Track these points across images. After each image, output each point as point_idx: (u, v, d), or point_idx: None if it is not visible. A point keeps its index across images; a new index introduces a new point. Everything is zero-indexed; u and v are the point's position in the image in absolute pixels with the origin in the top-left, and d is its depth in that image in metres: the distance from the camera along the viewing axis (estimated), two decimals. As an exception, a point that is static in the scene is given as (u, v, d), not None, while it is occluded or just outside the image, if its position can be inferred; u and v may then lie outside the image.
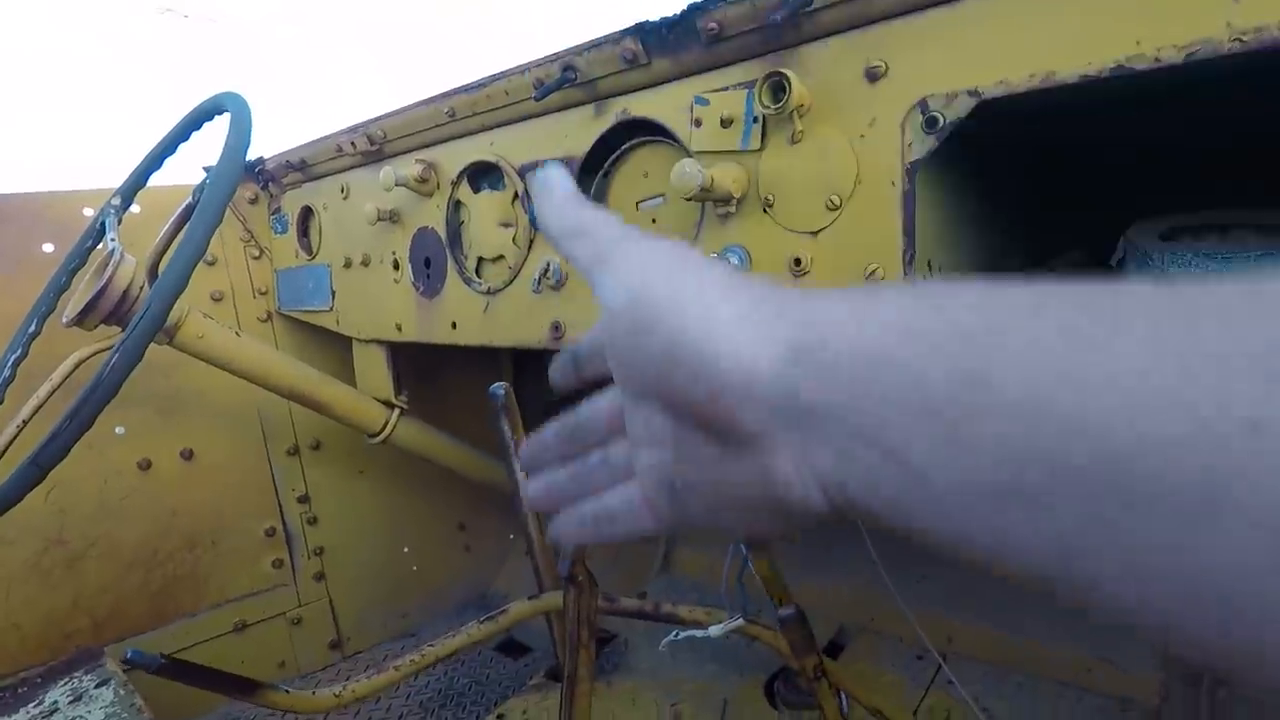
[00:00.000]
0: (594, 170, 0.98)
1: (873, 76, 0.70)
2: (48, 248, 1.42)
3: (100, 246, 1.20)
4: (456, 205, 1.18)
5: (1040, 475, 0.18)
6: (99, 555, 1.50)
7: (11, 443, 1.21)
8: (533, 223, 1.01)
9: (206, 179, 0.96)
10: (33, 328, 1.18)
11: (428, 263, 1.24)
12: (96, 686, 1.24)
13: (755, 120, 0.78)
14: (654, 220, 0.94)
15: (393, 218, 1.27)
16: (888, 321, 0.23)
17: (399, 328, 1.33)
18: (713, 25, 0.77)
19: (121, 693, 1.20)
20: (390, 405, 1.48)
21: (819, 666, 0.77)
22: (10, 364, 1.13)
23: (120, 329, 1.07)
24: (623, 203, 0.97)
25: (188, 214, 1.07)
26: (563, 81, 0.92)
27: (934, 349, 0.21)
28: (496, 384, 1.10)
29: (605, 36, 0.87)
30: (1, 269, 1.37)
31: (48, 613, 1.45)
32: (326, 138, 1.35)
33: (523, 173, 1.05)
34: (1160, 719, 1.01)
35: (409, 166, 1.17)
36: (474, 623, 0.97)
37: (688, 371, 0.25)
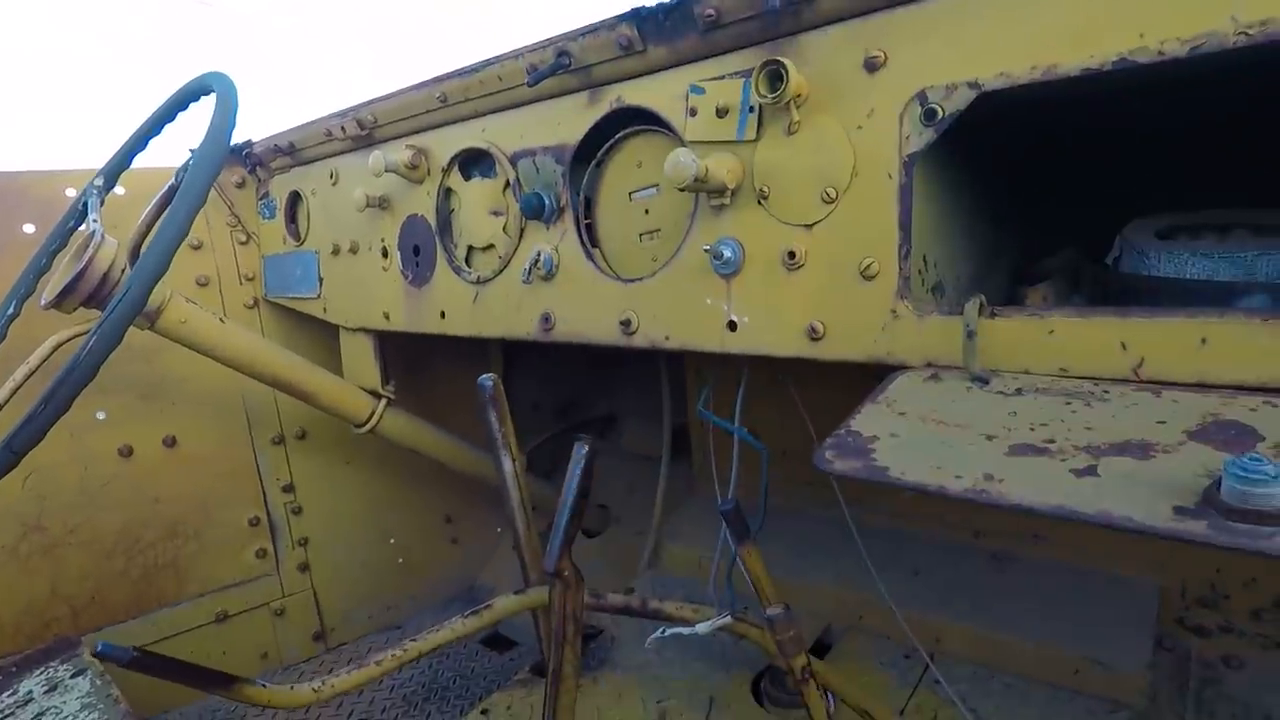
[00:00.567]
0: (587, 159, 0.97)
1: (872, 67, 0.69)
2: (28, 228, 1.39)
3: (82, 228, 1.17)
4: (447, 193, 1.16)
5: None
6: (78, 543, 1.48)
7: (-12, 427, 1.19)
8: (524, 211, 1.00)
9: (190, 160, 0.94)
10: (11, 309, 1.15)
11: (417, 251, 1.22)
12: (73, 676, 1.22)
13: (751, 110, 0.77)
14: (647, 211, 0.93)
15: (382, 204, 1.25)
16: None
17: (387, 316, 1.31)
18: (710, 12, 0.76)
19: (98, 683, 1.18)
20: (377, 395, 1.46)
21: (807, 667, 0.76)
22: (-13, 346, 1.11)
23: (100, 312, 1.04)
24: (615, 193, 0.96)
25: (170, 196, 1.05)
26: (556, 67, 0.91)
27: None
28: (485, 376, 1.09)
29: (601, 22, 0.85)
30: (-19, 249, 1.34)
31: (25, 600, 1.43)
32: (316, 121, 1.33)
33: (514, 160, 1.03)
34: (1148, 719, 1.01)
35: (399, 152, 1.15)
36: (458, 618, 0.95)
37: None
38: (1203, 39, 0.53)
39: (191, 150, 1.35)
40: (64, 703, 1.13)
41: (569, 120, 0.96)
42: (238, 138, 1.57)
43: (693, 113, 0.81)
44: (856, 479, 0.53)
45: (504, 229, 1.07)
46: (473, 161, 1.13)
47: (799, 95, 0.72)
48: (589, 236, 0.98)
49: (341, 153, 1.35)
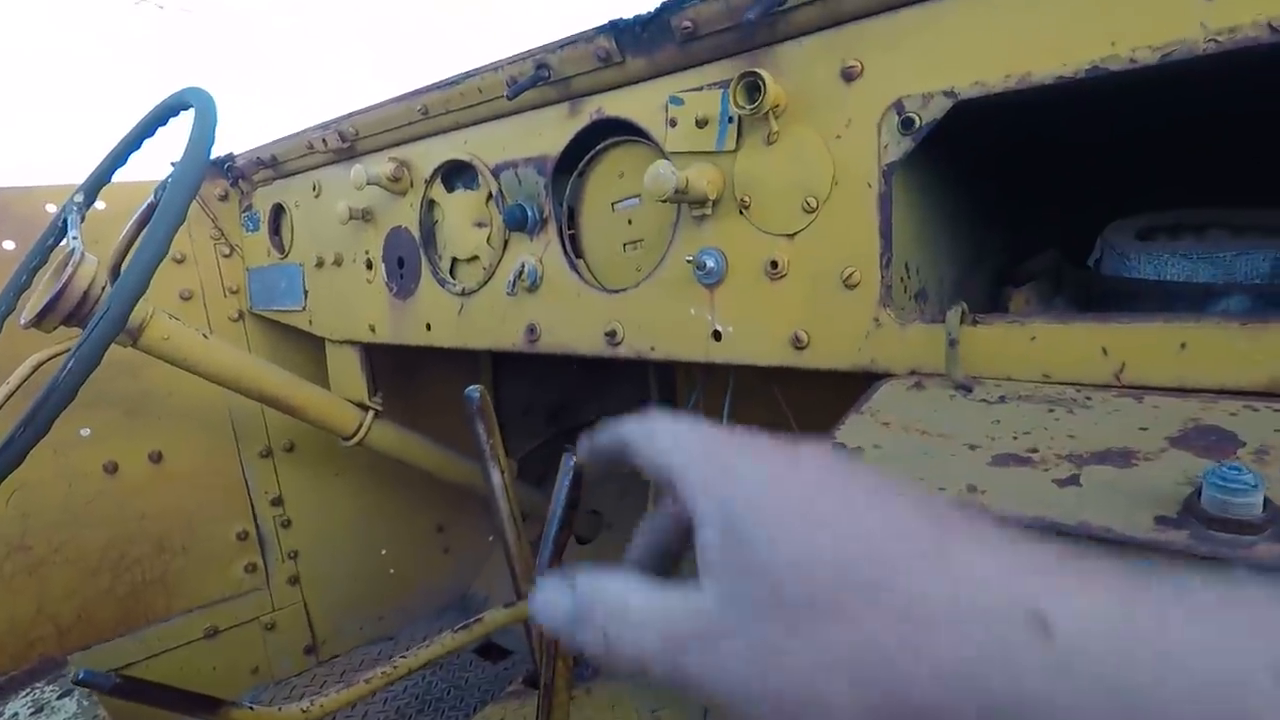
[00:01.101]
0: (569, 170, 0.97)
1: (848, 76, 0.69)
2: (8, 245, 1.38)
3: (63, 245, 1.16)
4: (430, 204, 1.16)
5: None
6: (63, 561, 1.47)
7: (-31, 448, 1.17)
8: (507, 223, 1.00)
9: (169, 176, 0.93)
10: (-9, 329, 1.14)
11: (401, 263, 1.21)
12: (59, 697, 1.20)
13: (730, 120, 0.77)
14: (630, 221, 0.93)
15: (365, 216, 1.24)
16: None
17: (372, 329, 1.30)
18: (686, 24, 0.76)
19: (85, 704, 1.16)
20: (365, 407, 1.46)
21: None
22: (-34, 367, 1.10)
23: (81, 330, 1.03)
24: (598, 203, 0.96)
25: (150, 213, 1.04)
26: (536, 80, 0.91)
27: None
28: (472, 387, 1.08)
29: (578, 34, 0.85)
30: (-40, 268, 1.33)
31: (10, 620, 1.41)
32: (297, 134, 1.33)
33: (497, 172, 1.03)
34: None
35: (381, 165, 1.15)
36: (448, 632, 0.95)
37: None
38: (1173, 46, 0.54)
39: (174, 164, 1.34)
40: (50, 725, 1.12)
41: (550, 131, 0.95)
42: (222, 149, 1.58)
43: (672, 124, 0.81)
44: None
45: (488, 240, 1.07)
46: (455, 173, 1.13)
47: (777, 105, 0.72)
48: (573, 247, 0.98)
49: (324, 165, 1.34)
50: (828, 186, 0.72)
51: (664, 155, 0.82)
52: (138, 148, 1.22)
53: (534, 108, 0.97)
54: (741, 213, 0.78)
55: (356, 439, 1.45)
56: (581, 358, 0.96)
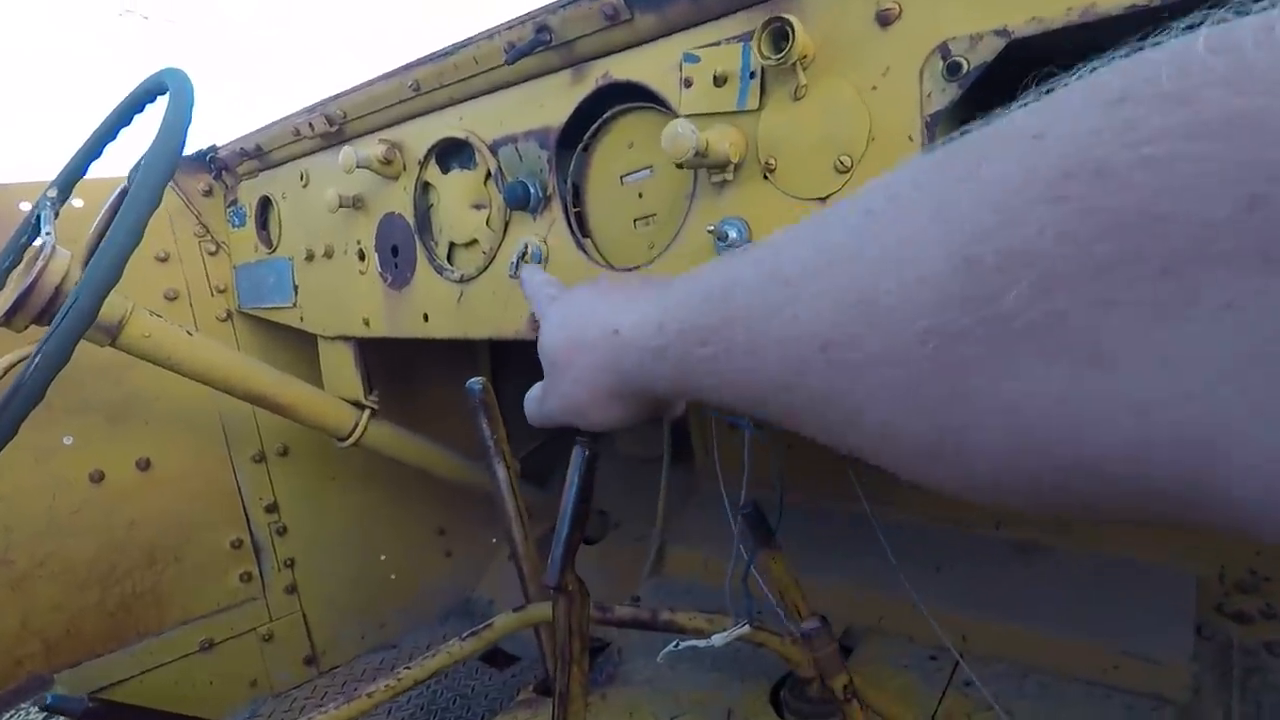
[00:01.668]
0: (573, 144, 0.90)
1: (885, 20, 0.62)
2: (-20, 245, 1.31)
3: (36, 242, 1.09)
4: (424, 187, 1.09)
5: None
6: (48, 574, 1.40)
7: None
8: (507, 201, 0.93)
9: (141, 159, 0.86)
10: (-39, 331, 1.07)
11: (395, 251, 1.15)
12: (46, 717, 1.14)
13: (753, 75, 0.70)
14: (640, 195, 0.86)
15: (356, 204, 1.17)
16: (661, 318, 0.40)
17: (366, 323, 1.24)
18: (703, -30, 0.69)
19: (72, 726, 1.10)
20: (360, 406, 1.39)
21: (850, 686, 0.68)
22: (-66, 371, 1.03)
23: (53, 329, 0.97)
24: (605, 177, 0.89)
25: (122, 199, 0.97)
26: (536, 44, 0.84)
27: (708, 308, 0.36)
28: (474, 379, 1.02)
29: (583, -10, 0.79)
30: (-72, 269, 1.26)
31: (-7, 638, 1.35)
32: (282, 120, 1.26)
33: (495, 148, 0.97)
34: (1192, 714, 0.95)
35: (372, 147, 1.08)
36: (454, 640, 0.88)
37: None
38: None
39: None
40: (33, 749, 1.05)
41: (552, 101, 0.89)
42: (203, 143, 1.51)
43: (687, 84, 0.75)
44: None
45: (487, 222, 1.00)
46: (451, 153, 1.06)
47: (805, 56, 0.65)
48: (579, 226, 0.92)
49: (311, 152, 1.28)
50: (863, 143, 0.65)
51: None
52: (114, 138, 1.15)
53: (534, 76, 0.90)
54: (766, 177, 0.71)
55: (352, 439, 1.38)
56: None
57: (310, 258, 1.31)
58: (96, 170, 1.16)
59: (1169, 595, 1.07)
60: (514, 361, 1.89)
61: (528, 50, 0.84)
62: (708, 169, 0.73)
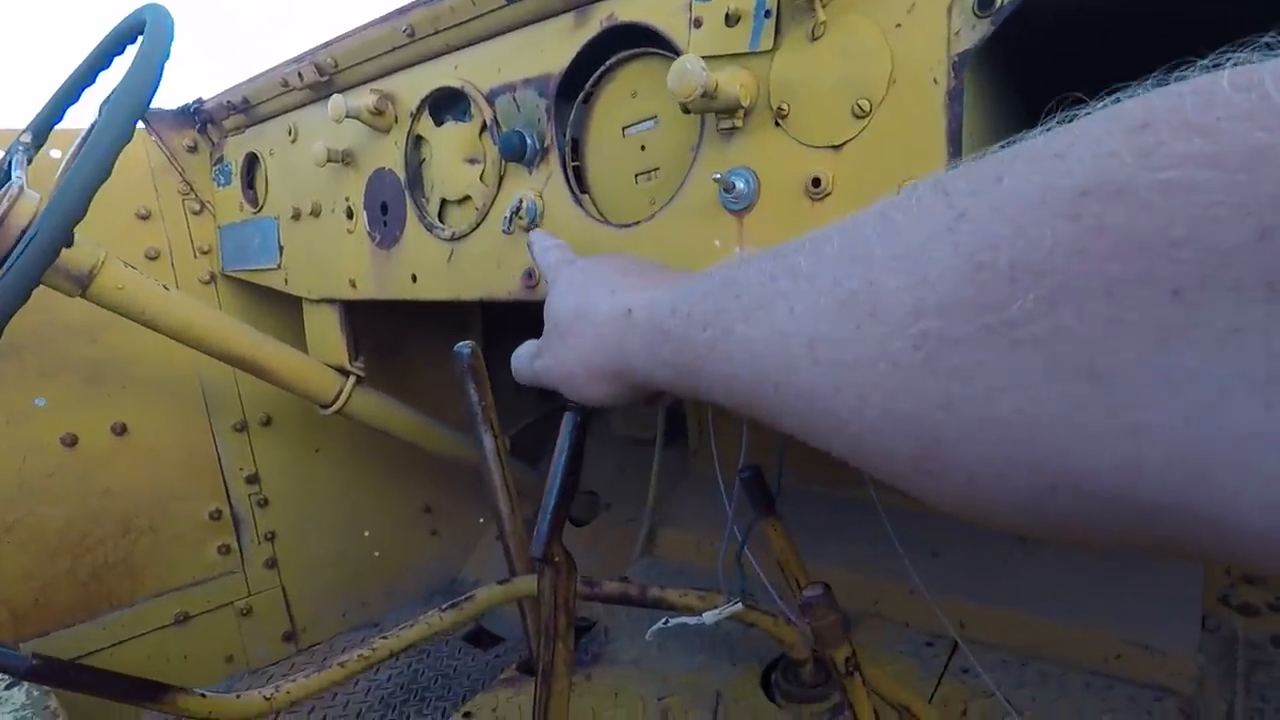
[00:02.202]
0: (573, 94, 0.85)
1: (912, -49, 0.58)
2: (-50, 194, 1.25)
3: (5, 188, 1.04)
4: (417, 141, 1.05)
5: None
6: (18, 541, 1.35)
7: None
8: (503, 153, 0.88)
9: (113, 92, 0.81)
10: (-76, 278, 1.02)
11: (384, 209, 1.10)
12: (7, 687, 1.09)
13: (768, 15, 0.66)
14: (643, 148, 0.82)
15: (345, 159, 1.12)
16: (674, 302, 0.41)
17: (353, 284, 1.19)
18: (717, -102, 0.65)
19: (35, 694, 1.05)
20: (345, 372, 1.34)
21: (852, 659, 0.65)
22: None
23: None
24: (607, 129, 0.85)
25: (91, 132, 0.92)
26: (537, -17, 0.79)
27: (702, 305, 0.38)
28: (462, 343, 0.98)
29: (587, -77, 0.74)
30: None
31: (-43, 605, 1.30)
32: (270, 70, 1.21)
33: (492, 98, 0.92)
34: (1196, 706, 0.92)
35: (363, 97, 1.03)
36: (434, 611, 0.84)
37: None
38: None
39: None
40: (-7, 717, 1.00)
41: (553, 46, 0.84)
42: (188, 96, 1.45)
43: (697, 23, 0.70)
44: None
45: (481, 178, 0.96)
46: (445, 104, 1.01)
47: (825, -8, 0.61)
48: (578, 182, 0.87)
49: (301, 105, 1.23)
50: (884, 86, 0.61)
51: (686, 63, 0.71)
52: (92, 82, 1.10)
53: (535, 20, 0.86)
54: (778, 124, 0.67)
55: (336, 406, 1.33)
56: None
57: (297, 216, 1.26)
58: (77, 122, 1.11)
59: (1175, 585, 1.04)
60: (508, 334, 1.85)
61: (528, -10, 0.80)
62: (715, 114, 0.69)
